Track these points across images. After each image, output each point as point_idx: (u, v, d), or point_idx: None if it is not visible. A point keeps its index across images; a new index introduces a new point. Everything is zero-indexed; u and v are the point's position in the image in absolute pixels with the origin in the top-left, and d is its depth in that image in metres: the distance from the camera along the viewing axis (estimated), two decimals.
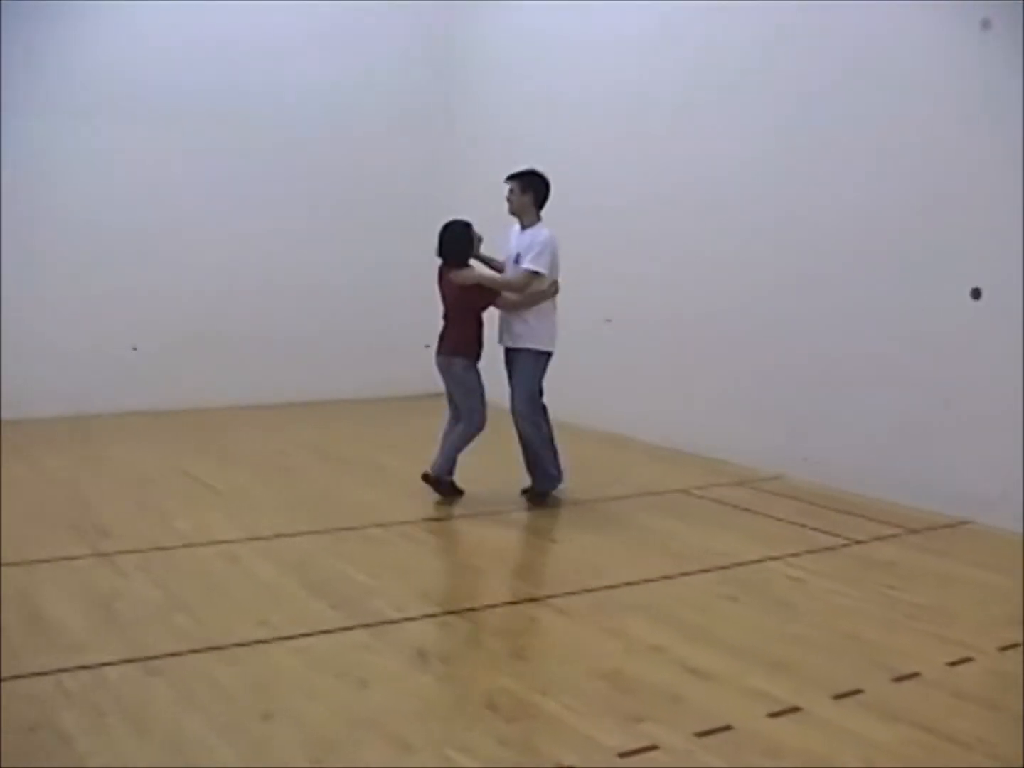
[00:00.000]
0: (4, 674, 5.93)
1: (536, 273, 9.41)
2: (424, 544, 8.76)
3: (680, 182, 11.82)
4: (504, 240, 9.87)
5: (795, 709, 5.61)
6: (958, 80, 9.30)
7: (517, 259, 9.57)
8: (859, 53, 10.07)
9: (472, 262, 9.77)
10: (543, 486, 9.81)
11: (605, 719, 5.47)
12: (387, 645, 6.55)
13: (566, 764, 5.00)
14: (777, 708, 5.61)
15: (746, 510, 9.69)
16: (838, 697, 5.79)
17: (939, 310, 9.48)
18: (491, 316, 9.67)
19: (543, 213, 9.73)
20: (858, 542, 8.76)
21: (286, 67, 14.14)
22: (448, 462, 9.75)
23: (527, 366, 9.64)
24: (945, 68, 9.44)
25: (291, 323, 14.22)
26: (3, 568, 7.71)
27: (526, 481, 9.94)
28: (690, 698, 5.76)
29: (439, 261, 9.75)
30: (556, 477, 9.88)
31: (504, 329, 9.71)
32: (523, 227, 9.68)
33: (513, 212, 9.71)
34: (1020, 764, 5.11)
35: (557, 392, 12.99)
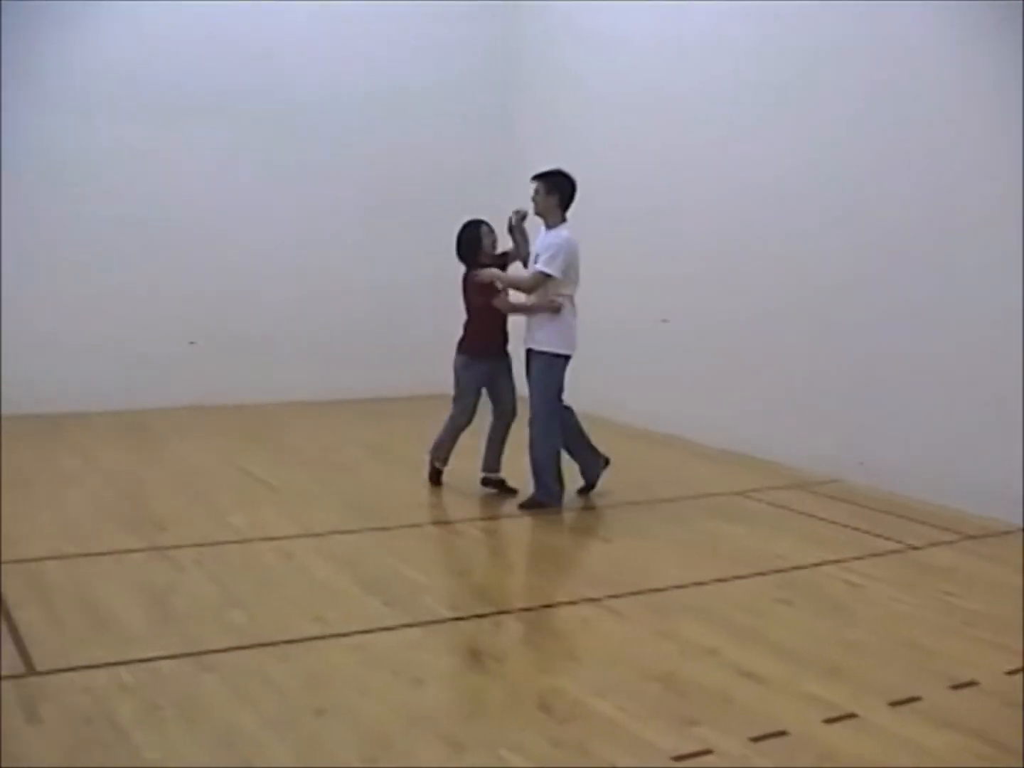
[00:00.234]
0: (61, 666, 5.99)
1: (546, 275, 9.31)
2: (478, 543, 8.77)
3: (737, 183, 11.75)
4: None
5: (851, 715, 5.56)
6: (1014, 82, 9.21)
7: (536, 259, 9.51)
8: (911, 55, 9.99)
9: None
10: (540, 497, 9.54)
11: (659, 722, 5.45)
12: (441, 644, 6.57)
13: (620, 767, 4.98)
14: (833, 714, 5.56)
15: (802, 514, 9.63)
16: (894, 704, 5.72)
17: (997, 311, 9.39)
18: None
19: (569, 214, 9.70)
20: (915, 547, 8.68)
21: (339, 70, 14.18)
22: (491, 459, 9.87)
23: (542, 369, 9.53)
24: (996, 71, 9.35)
25: (344, 320, 14.23)
26: (61, 560, 7.80)
27: (580, 481, 9.94)
28: (744, 702, 5.73)
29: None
30: (556, 495, 9.62)
31: (525, 330, 9.64)
32: (547, 228, 9.58)
33: (538, 213, 9.62)
34: None
35: (612, 392, 13.06)
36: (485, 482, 9.95)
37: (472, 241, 9.82)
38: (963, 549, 8.72)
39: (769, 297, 11.43)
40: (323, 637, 6.54)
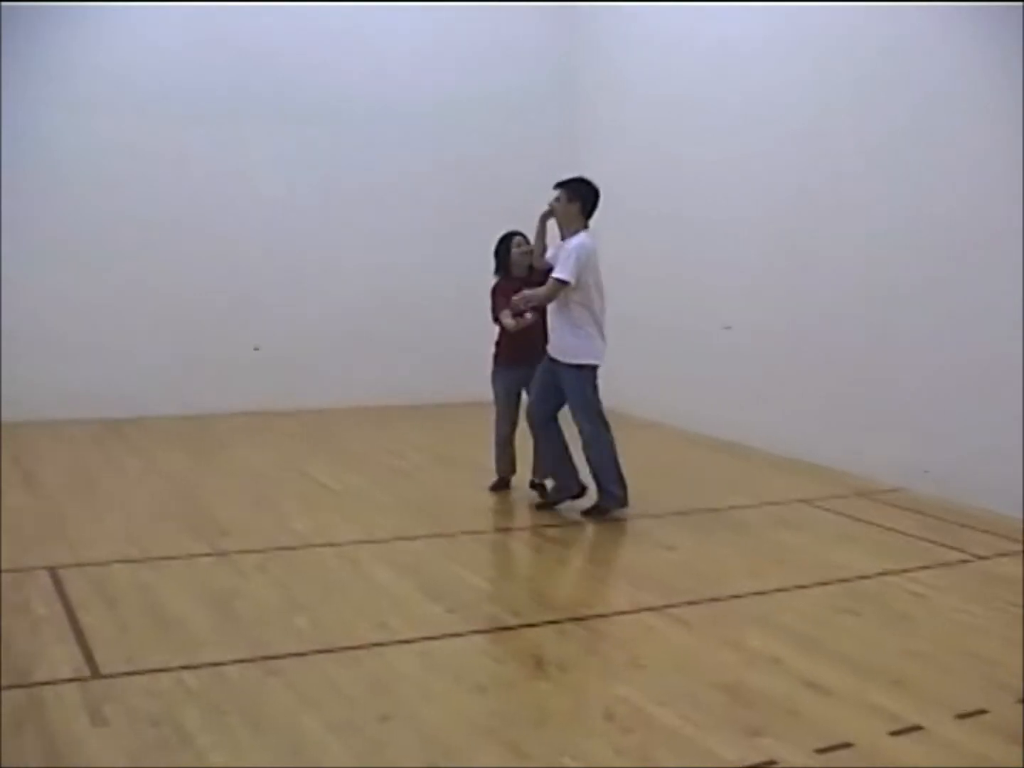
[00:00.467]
0: (128, 669, 6.03)
1: (562, 282, 9.13)
2: (541, 549, 8.76)
3: (799, 189, 11.68)
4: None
5: (917, 728, 5.51)
6: None
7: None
8: (984, 55, 9.93)
9: None
10: (605, 502, 9.47)
11: (723, 732, 5.42)
12: (504, 651, 6.57)
13: None
14: (898, 726, 5.51)
15: (866, 522, 9.55)
16: (961, 717, 5.66)
17: None
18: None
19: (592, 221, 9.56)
20: (981, 557, 8.59)
21: (399, 79, 14.22)
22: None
23: (573, 382, 9.38)
24: None
25: (409, 326, 14.24)
26: (125, 564, 7.86)
27: (646, 490, 9.90)
28: (809, 713, 5.69)
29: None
30: (620, 498, 9.51)
31: (550, 339, 9.52)
32: (567, 235, 9.40)
33: (558, 220, 9.46)
34: None
35: (675, 399, 13.02)
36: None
37: (502, 252, 9.83)
38: None
39: (832, 303, 11.35)
40: (386, 643, 6.55)
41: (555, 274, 9.15)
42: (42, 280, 12.59)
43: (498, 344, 9.91)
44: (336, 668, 6.16)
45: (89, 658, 6.14)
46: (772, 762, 5.12)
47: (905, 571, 8.17)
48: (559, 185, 9.44)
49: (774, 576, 7.98)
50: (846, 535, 9.21)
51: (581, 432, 9.46)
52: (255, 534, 8.72)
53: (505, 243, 9.79)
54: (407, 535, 8.84)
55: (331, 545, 8.50)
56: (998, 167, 9.75)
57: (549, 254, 9.58)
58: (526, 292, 9.34)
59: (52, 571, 7.58)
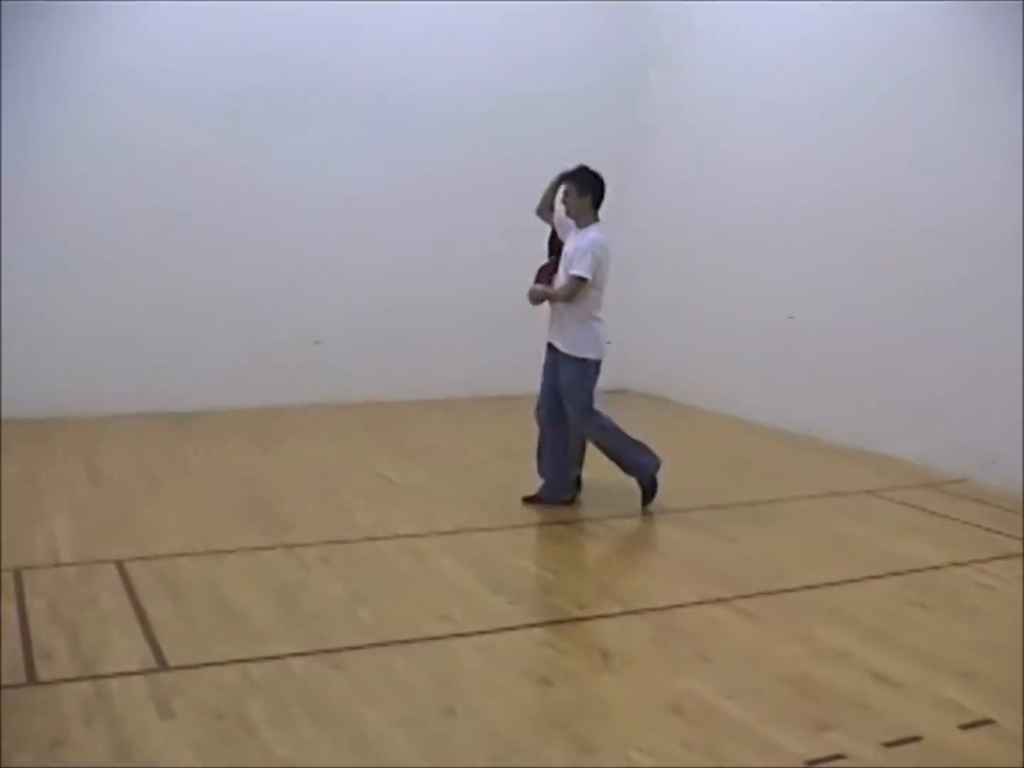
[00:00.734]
0: (193, 662, 6.06)
1: (582, 279, 9.02)
2: (605, 542, 8.73)
3: (865, 180, 11.60)
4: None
5: (987, 721, 5.47)
6: None
7: (568, 259, 9.21)
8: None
9: None
10: (642, 476, 9.43)
11: (790, 725, 5.40)
12: (570, 643, 6.54)
13: None
14: (968, 720, 5.47)
15: (932, 513, 9.49)
16: None
17: None
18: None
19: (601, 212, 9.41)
20: None
21: (463, 76, 14.16)
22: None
23: (574, 375, 9.23)
24: None
25: (476, 319, 14.24)
26: (190, 557, 7.91)
27: (710, 481, 9.86)
28: (877, 706, 5.65)
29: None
30: (653, 465, 9.46)
31: (551, 328, 9.39)
32: (578, 228, 9.25)
33: (570, 215, 9.28)
34: None
35: (740, 390, 12.98)
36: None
37: (551, 237, 9.73)
38: None
39: (897, 292, 11.27)
40: (450, 636, 6.55)
41: (575, 272, 9.01)
42: (106, 275, 12.66)
43: None
44: (399, 661, 6.17)
45: (156, 650, 6.18)
46: (840, 756, 5.09)
47: (973, 562, 8.11)
48: (568, 178, 9.26)
49: (840, 568, 7.93)
50: (912, 526, 9.15)
51: (579, 429, 9.40)
52: (318, 527, 8.74)
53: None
54: (471, 527, 8.84)
55: (394, 538, 8.50)
56: None
57: (562, 232, 9.46)
58: (540, 288, 9.32)
59: (119, 564, 7.62)
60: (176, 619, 6.69)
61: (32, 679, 5.79)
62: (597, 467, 9.82)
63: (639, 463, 9.44)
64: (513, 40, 14.38)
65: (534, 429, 9.57)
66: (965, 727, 5.40)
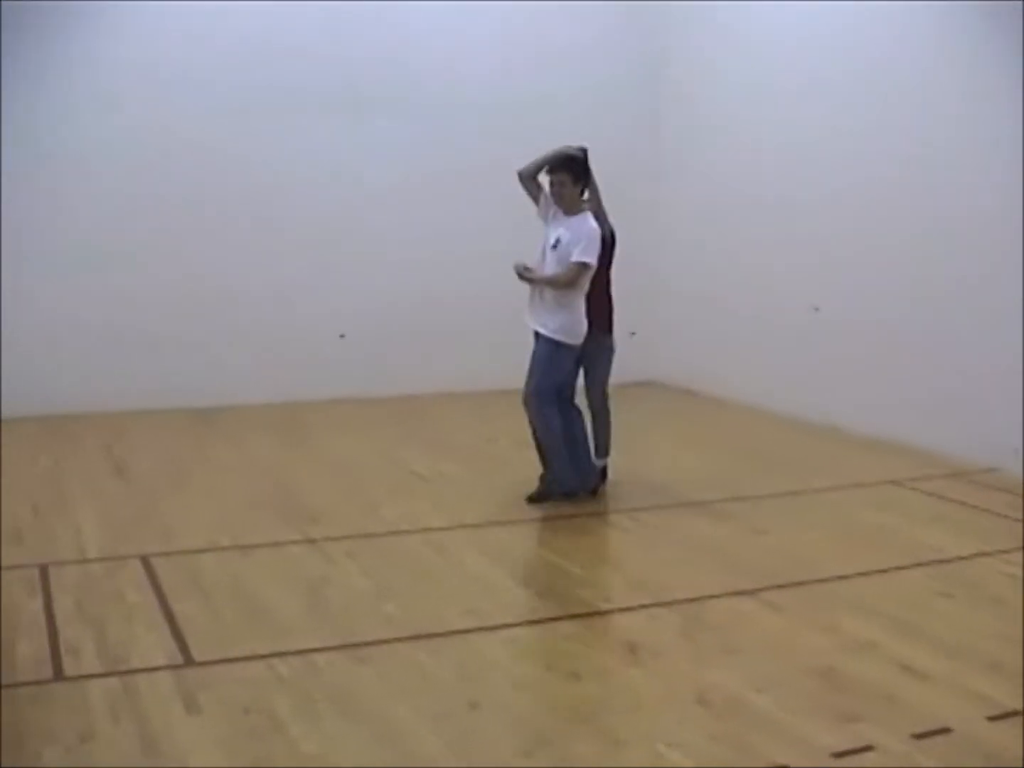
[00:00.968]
0: (219, 657, 6.07)
1: (586, 266, 8.93)
2: (631, 534, 8.70)
3: (890, 169, 11.55)
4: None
5: (1016, 713, 5.42)
6: None
7: (556, 244, 9.07)
8: None
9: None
10: (553, 487, 9.34)
11: (818, 717, 5.38)
12: (596, 637, 6.55)
13: (780, 763, 4.92)
14: (997, 711, 5.44)
15: (959, 503, 9.43)
16: None
17: None
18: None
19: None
20: None
21: (486, 67, 14.21)
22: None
23: (547, 355, 9.14)
24: None
25: (493, 311, 14.18)
26: (217, 552, 7.95)
27: (736, 473, 9.83)
28: (905, 698, 5.63)
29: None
30: (568, 482, 9.34)
31: (532, 309, 9.30)
32: (569, 213, 9.12)
33: (562, 205, 9.13)
34: None
35: (764, 381, 12.95)
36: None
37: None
38: None
39: (921, 283, 11.22)
40: (477, 630, 6.55)
41: (580, 258, 8.89)
42: (131, 271, 12.70)
43: None
44: (425, 655, 6.16)
45: (182, 646, 6.19)
46: (869, 747, 5.07)
47: (999, 552, 8.06)
48: (560, 168, 9.17)
49: (867, 559, 7.89)
50: (939, 516, 9.11)
51: (529, 407, 9.27)
52: (345, 521, 8.75)
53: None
54: (497, 521, 8.84)
55: (420, 532, 8.51)
56: None
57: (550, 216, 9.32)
58: (540, 274, 9.16)
59: (144, 559, 7.64)
60: (202, 614, 6.71)
61: (59, 675, 5.81)
62: (622, 459, 9.83)
63: (563, 473, 9.35)
64: (532, 36, 14.35)
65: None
66: (993, 718, 5.37)
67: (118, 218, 12.66)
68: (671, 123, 14.90)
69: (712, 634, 6.55)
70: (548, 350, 9.11)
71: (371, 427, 12.36)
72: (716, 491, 9.64)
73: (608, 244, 9.36)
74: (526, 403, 9.25)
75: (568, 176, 9.09)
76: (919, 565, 7.80)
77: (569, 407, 9.42)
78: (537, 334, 9.21)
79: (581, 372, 9.65)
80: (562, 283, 8.99)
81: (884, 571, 7.66)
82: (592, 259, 8.92)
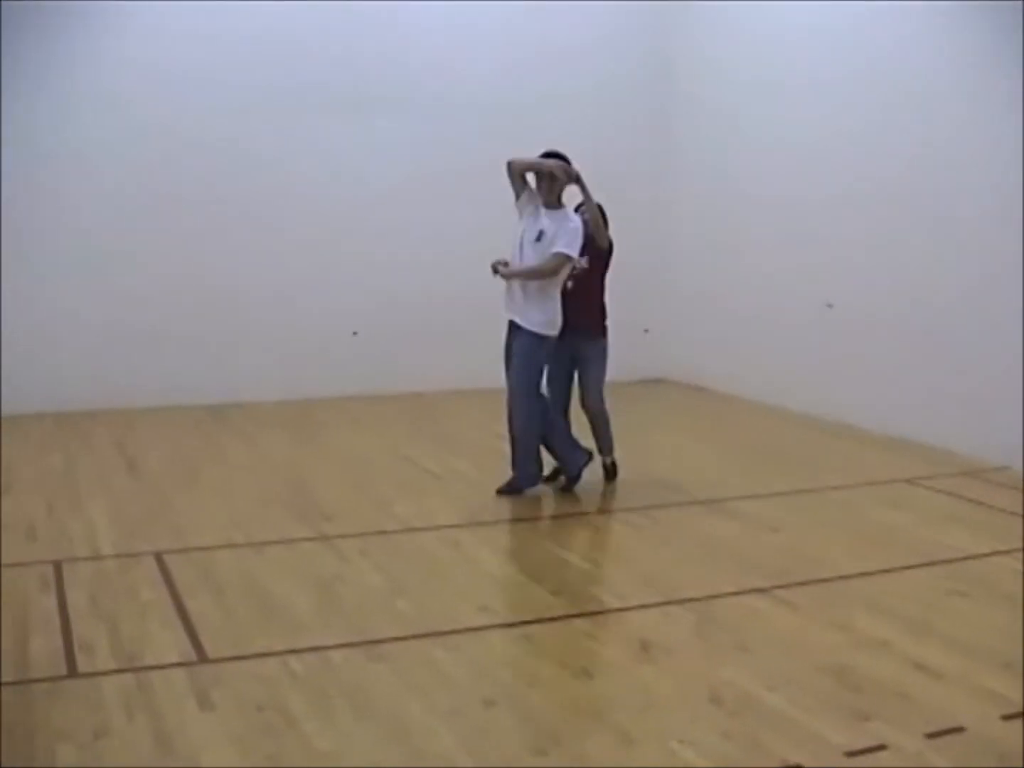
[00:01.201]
0: (233, 654, 6.08)
1: (569, 258, 9.05)
2: (644, 531, 8.67)
3: (904, 165, 11.53)
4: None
5: None
6: None
7: (539, 237, 9.13)
8: None
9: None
10: (521, 482, 9.43)
11: (831, 716, 5.37)
12: (609, 634, 6.55)
13: (792, 762, 4.92)
14: (1011, 710, 5.43)
15: (972, 502, 9.42)
16: None
17: None
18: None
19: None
20: None
21: (497, 64, 14.19)
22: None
23: (529, 349, 9.22)
24: None
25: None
26: (230, 549, 7.97)
27: (749, 470, 9.82)
28: (919, 697, 5.62)
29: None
30: (536, 478, 9.47)
31: (511, 302, 9.40)
32: (551, 207, 9.22)
33: (548, 202, 9.20)
34: None
35: (777, 379, 12.93)
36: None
37: None
38: None
39: (934, 281, 11.21)
40: (490, 627, 6.57)
41: (564, 250, 9.00)
42: (143, 268, 12.73)
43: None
44: (439, 652, 6.17)
45: (196, 643, 6.20)
46: (882, 746, 5.07)
47: (1014, 551, 8.04)
48: (554, 156, 9.31)
49: (880, 557, 7.89)
50: (952, 515, 9.09)
51: (511, 399, 9.40)
52: (357, 518, 8.75)
53: (576, 209, 9.60)
54: (510, 518, 8.86)
55: (433, 529, 8.51)
56: None
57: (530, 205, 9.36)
58: (523, 266, 9.21)
59: (158, 556, 7.66)
60: (216, 611, 6.72)
61: (73, 671, 5.82)
62: (634, 456, 9.83)
63: (531, 469, 9.44)
64: (538, 35, 14.34)
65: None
66: (1007, 717, 5.36)
67: (127, 217, 12.67)
68: (679, 122, 14.90)
69: (725, 632, 6.55)
70: (531, 344, 9.20)
71: (382, 424, 12.36)
72: (728, 489, 9.64)
73: (606, 253, 9.46)
74: (520, 400, 9.36)
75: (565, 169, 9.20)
76: (932, 563, 7.79)
77: (540, 398, 9.45)
78: (515, 327, 9.31)
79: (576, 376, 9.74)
80: (546, 273, 9.09)
81: (897, 569, 7.66)
82: (574, 252, 9.05)
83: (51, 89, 12.27)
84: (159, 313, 12.85)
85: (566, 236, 9.02)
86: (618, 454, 9.85)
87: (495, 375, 13.42)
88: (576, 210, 9.36)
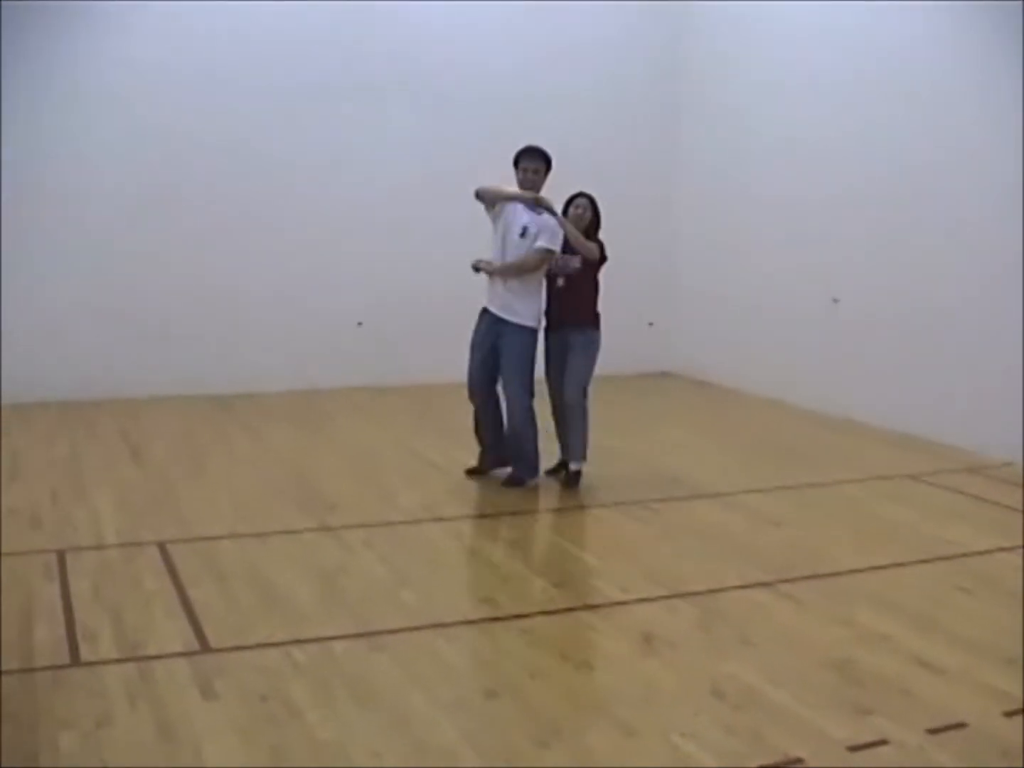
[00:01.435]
0: (236, 644, 6.08)
1: (551, 252, 9.19)
2: (648, 525, 8.67)
3: (912, 161, 11.53)
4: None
5: None
6: None
7: (523, 233, 9.24)
8: None
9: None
10: (523, 474, 9.49)
11: (834, 711, 5.37)
12: (612, 627, 6.53)
13: (794, 756, 4.92)
14: (1013, 707, 5.43)
15: (976, 498, 9.42)
16: None
17: None
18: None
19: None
20: None
21: (508, 63, 14.23)
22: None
23: (522, 343, 9.33)
24: None
25: None
26: (234, 539, 7.96)
27: (754, 465, 9.81)
28: (921, 692, 5.62)
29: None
30: (536, 469, 9.56)
31: (495, 296, 9.51)
32: (528, 205, 9.31)
33: (535, 196, 9.31)
34: None
35: (783, 374, 12.93)
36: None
37: (567, 211, 9.60)
38: None
39: (940, 276, 11.21)
40: (493, 619, 6.56)
41: (548, 245, 9.16)
42: (150, 260, 12.78)
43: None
44: (442, 644, 6.18)
45: (199, 632, 6.21)
46: (883, 741, 5.07)
47: (1018, 548, 8.04)
48: (534, 156, 9.41)
49: (883, 552, 7.89)
50: (956, 511, 9.09)
51: (507, 394, 9.44)
52: (361, 509, 8.76)
53: (569, 203, 9.61)
54: (513, 510, 8.85)
55: (437, 520, 8.52)
56: None
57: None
58: (509, 263, 9.33)
59: (161, 546, 7.67)
60: (219, 601, 6.72)
61: (76, 660, 5.83)
62: (638, 449, 9.82)
63: (531, 461, 9.51)
64: (549, 33, 14.41)
65: None
66: (1009, 714, 5.36)
67: (135, 210, 12.73)
68: (686, 120, 14.95)
69: (727, 626, 6.55)
70: (523, 338, 9.33)
71: (387, 416, 12.38)
72: (732, 483, 9.66)
73: (598, 259, 9.41)
74: (517, 397, 9.40)
75: (542, 164, 9.36)
76: (936, 559, 7.80)
77: (532, 391, 9.51)
78: (499, 323, 9.40)
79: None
80: (530, 267, 9.25)
81: (901, 565, 7.65)
82: (556, 247, 9.18)
83: (54, 88, 12.31)
84: (166, 304, 12.90)
85: (548, 231, 9.17)
86: (622, 446, 9.86)
87: None
88: (571, 200, 9.48)
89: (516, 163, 9.42)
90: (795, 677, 5.76)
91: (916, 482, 9.89)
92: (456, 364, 12.70)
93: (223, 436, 11.17)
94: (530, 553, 7.92)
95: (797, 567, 7.51)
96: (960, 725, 5.24)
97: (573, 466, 9.53)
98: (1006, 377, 10.43)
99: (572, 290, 9.39)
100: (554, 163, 9.41)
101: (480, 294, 13.04)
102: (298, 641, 6.11)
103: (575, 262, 9.30)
